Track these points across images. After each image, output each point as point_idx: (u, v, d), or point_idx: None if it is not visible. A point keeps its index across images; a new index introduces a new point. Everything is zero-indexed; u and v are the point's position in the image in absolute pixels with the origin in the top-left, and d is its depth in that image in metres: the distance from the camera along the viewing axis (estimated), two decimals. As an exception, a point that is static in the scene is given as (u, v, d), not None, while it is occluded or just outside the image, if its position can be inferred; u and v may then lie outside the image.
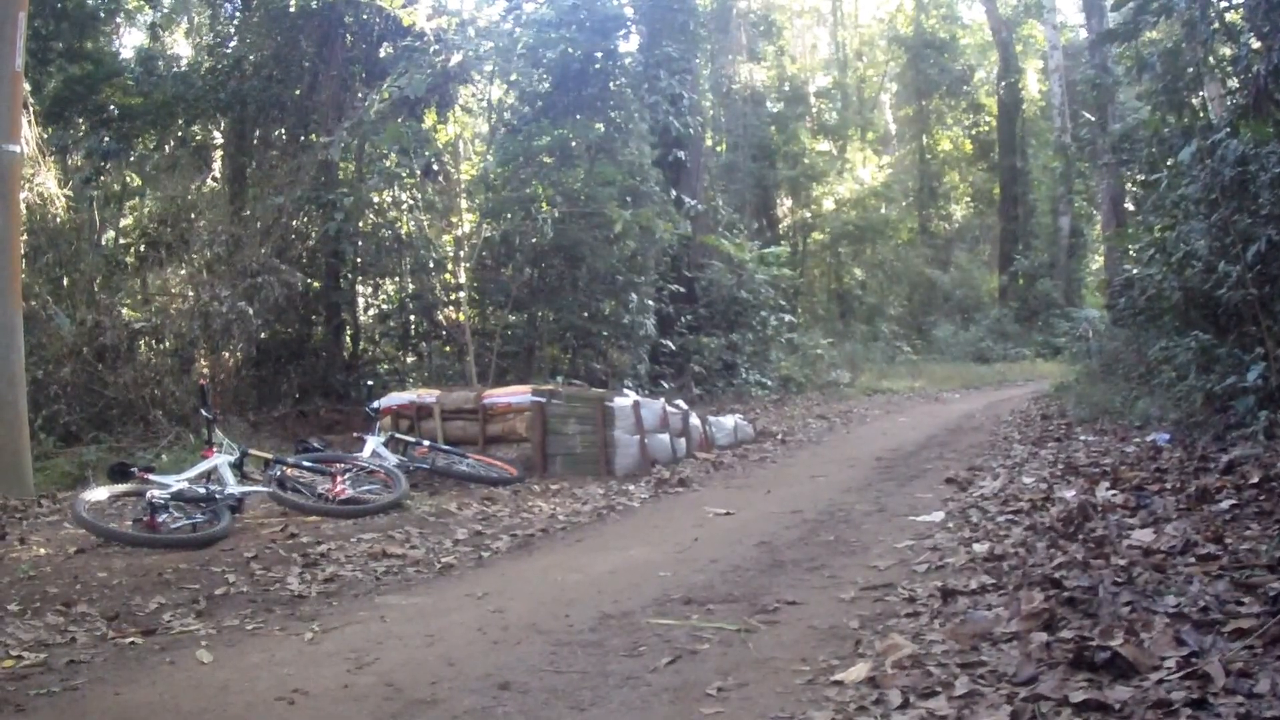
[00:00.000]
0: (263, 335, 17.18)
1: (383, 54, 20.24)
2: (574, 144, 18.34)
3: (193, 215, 17.53)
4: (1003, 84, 40.68)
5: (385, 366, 20.16)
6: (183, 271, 16.89)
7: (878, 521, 8.24)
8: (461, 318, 18.16)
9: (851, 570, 6.48)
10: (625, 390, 14.26)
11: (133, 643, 5.47)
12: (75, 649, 5.38)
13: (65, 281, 15.72)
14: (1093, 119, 25.69)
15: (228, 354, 16.90)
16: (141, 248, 17.32)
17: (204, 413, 9.41)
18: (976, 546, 6.59)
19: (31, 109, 14.48)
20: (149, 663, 5.12)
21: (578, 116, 18.41)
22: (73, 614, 6.00)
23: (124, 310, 15.99)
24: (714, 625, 5.29)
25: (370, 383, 13.29)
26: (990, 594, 5.38)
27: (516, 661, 4.88)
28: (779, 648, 4.87)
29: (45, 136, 16.04)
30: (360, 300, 20.88)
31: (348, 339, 20.11)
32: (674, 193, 20.93)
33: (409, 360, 20.35)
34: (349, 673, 4.81)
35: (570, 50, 18.60)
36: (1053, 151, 36.32)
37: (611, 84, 19.63)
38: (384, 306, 20.97)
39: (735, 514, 9.06)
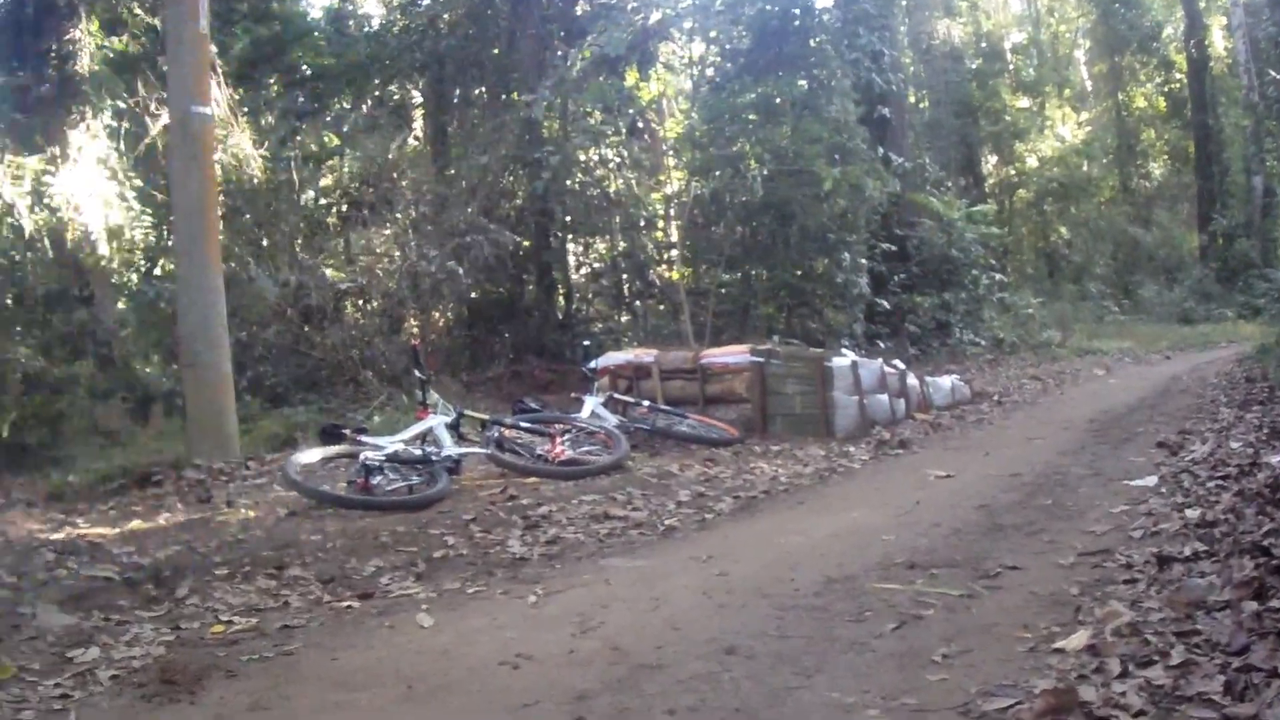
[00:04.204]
0: (473, 295, 17.58)
1: (579, 11, 20.45)
2: (778, 101, 18.38)
3: (394, 174, 18.01)
4: (1191, 41, 39.53)
5: (599, 326, 20.41)
6: (387, 231, 17.38)
7: (1093, 485, 8.22)
8: (675, 276, 18.33)
9: (1069, 535, 6.47)
10: (843, 350, 14.20)
11: (349, 606, 5.60)
12: (289, 613, 5.53)
13: (265, 243, 16.31)
14: (1278, 76, 24.69)
15: (438, 314, 17.37)
16: (343, 208, 17.91)
17: (417, 373, 9.64)
18: (1189, 512, 6.50)
19: (220, 70, 15.04)
20: (366, 626, 5.22)
21: (779, 73, 18.50)
22: (285, 577, 6.17)
23: (328, 271, 16.57)
24: (937, 590, 5.31)
25: (587, 343, 13.44)
26: (1203, 561, 5.32)
27: (741, 625, 4.88)
28: (1001, 613, 4.88)
29: (236, 98, 16.66)
30: (571, 259, 21.20)
31: (560, 298, 20.43)
32: (880, 150, 20.77)
33: (623, 319, 20.59)
34: (573, 636, 4.84)
35: (768, 7, 18.67)
36: (1241, 109, 35.69)
37: (811, 41, 19.60)
38: (595, 265, 21.26)
39: (955, 476, 9.07)
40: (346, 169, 19.49)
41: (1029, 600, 5.08)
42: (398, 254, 16.72)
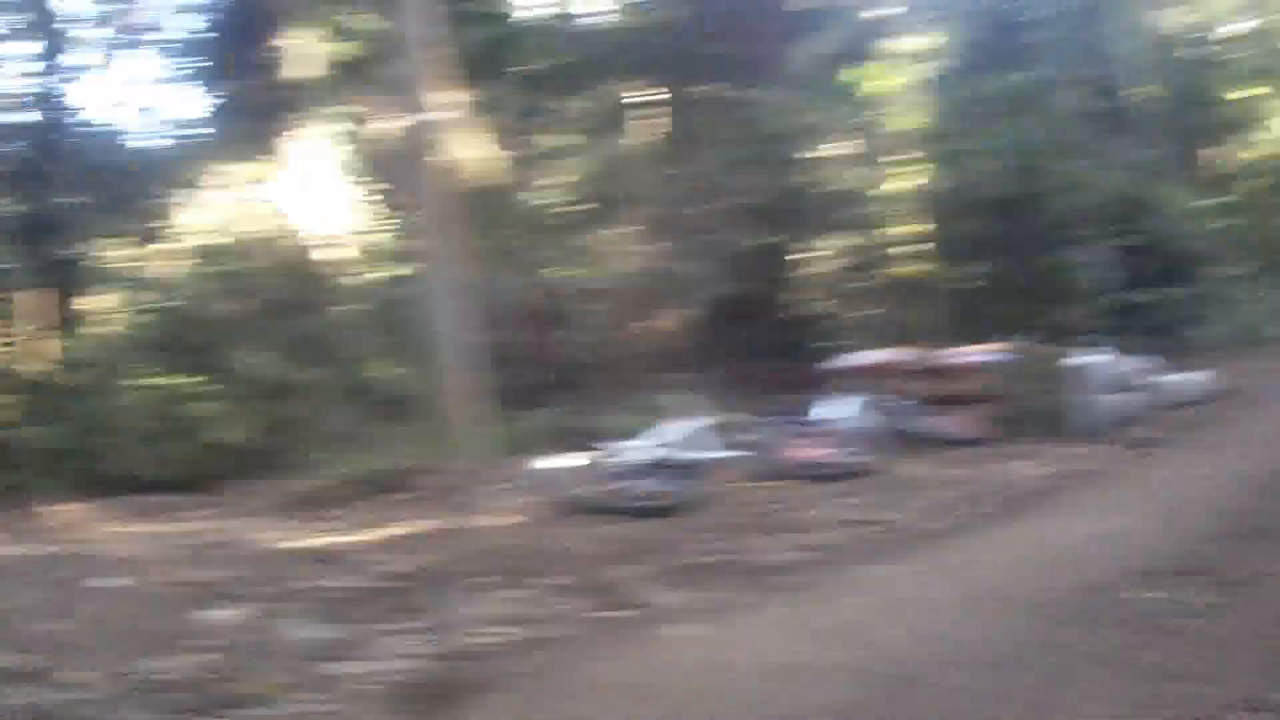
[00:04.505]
0: (712, 294, 17.63)
1: (807, 8, 20.36)
2: (1010, 96, 18.28)
3: (628, 170, 18.17)
4: None
5: (839, 321, 20.27)
6: (625, 229, 17.55)
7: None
8: (914, 271, 18.15)
9: None
10: (1087, 349, 13.95)
11: (611, 616, 5.59)
12: (548, 624, 5.51)
13: (506, 244, 16.58)
14: None
15: (681, 312, 17.46)
16: (579, 204, 18.13)
17: (669, 377, 9.71)
18: None
19: (452, 73, 15.39)
20: (630, 637, 5.22)
21: (1011, 68, 18.39)
22: (542, 586, 6.17)
23: (571, 272, 16.80)
24: (1190, 598, 5.16)
25: (831, 344, 13.38)
26: None
27: (1001, 636, 4.81)
28: (1255, 624, 4.75)
29: (470, 101, 16.99)
30: (809, 255, 21.10)
31: (800, 295, 20.35)
32: (1115, 145, 20.38)
33: (862, 314, 20.43)
34: (834, 647, 4.78)
35: (1000, 4, 18.89)
36: None
37: (1039, 35, 19.59)
38: (834, 261, 21.14)
39: (1208, 476, 8.85)
40: (580, 166, 19.67)
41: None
42: (638, 253, 16.84)
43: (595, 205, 17.78)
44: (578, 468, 8.88)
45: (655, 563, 6.65)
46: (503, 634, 5.36)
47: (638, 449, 8.79)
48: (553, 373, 15.06)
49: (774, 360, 18.13)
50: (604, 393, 14.69)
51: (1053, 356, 12.20)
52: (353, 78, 16.24)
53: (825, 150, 19.43)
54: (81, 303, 14.70)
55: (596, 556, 6.80)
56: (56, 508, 10.37)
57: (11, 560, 7.52)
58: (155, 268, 14.46)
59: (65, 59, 17.32)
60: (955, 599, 5.48)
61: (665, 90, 21.35)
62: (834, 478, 9.11)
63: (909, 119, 19.81)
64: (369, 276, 16.11)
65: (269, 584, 6.36)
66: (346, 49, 16.42)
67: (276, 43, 16.32)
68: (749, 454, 9.51)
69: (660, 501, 8.19)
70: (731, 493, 8.86)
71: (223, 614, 5.66)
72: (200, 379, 13.72)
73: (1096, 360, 12.28)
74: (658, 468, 8.62)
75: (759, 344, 18.70)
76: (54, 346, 14.27)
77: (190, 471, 12.66)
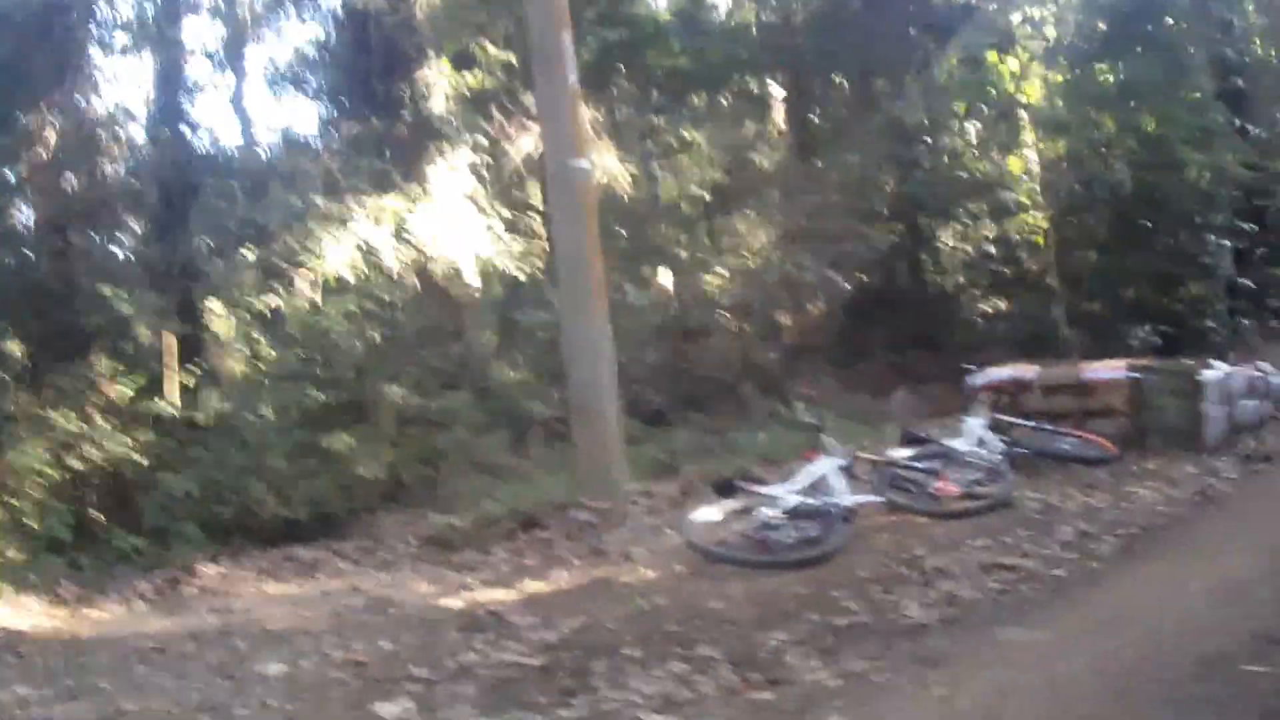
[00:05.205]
0: (850, 291, 17.89)
1: (938, 1, 20.45)
2: (1137, 83, 18.54)
3: (757, 160, 18.41)
4: None
5: (975, 312, 20.42)
6: (755, 227, 17.80)
7: None
8: (1043, 262, 18.28)
9: None
10: (1215, 357, 13.99)
11: (765, 698, 5.80)
12: (704, 707, 5.72)
13: (639, 250, 16.94)
14: None
15: (817, 312, 17.73)
16: (708, 197, 18.42)
17: (809, 419, 9.98)
18: None
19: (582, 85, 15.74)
20: None
21: (1136, 53, 18.62)
22: (695, 657, 6.42)
23: (704, 276, 17.13)
24: None
25: (973, 365, 13.43)
26: None
27: None
28: None
29: (601, 109, 17.32)
30: (942, 247, 21.25)
31: (930, 287, 20.53)
32: (1237, 122, 20.25)
33: (997, 307, 20.54)
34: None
35: None
36: None
37: (1165, 19, 19.60)
38: (968, 252, 21.26)
39: None
40: (707, 157, 19.99)
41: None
42: (772, 257, 17.08)
43: (728, 201, 18.06)
44: (724, 516, 9.08)
45: (806, 625, 6.89)
46: (656, 723, 5.60)
47: (788, 494, 8.98)
48: (692, 386, 15.35)
49: (919, 350, 18.39)
50: (745, 404, 15.03)
51: (1186, 372, 12.30)
52: (485, 105, 16.76)
53: (961, 139, 19.64)
54: (208, 339, 15.23)
55: (748, 619, 7.08)
56: (199, 568, 10.81)
57: (165, 638, 7.81)
58: (290, 301, 14.92)
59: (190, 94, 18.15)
60: (1095, 675, 5.63)
61: (795, 86, 21.61)
62: (977, 514, 9.35)
63: (1036, 109, 19.96)
64: (505, 303, 16.58)
65: (428, 662, 6.64)
66: (480, 78, 16.92)
67: (407, 77, 16.86)
68: (895, 491, 9.74)
69: (809, 552, 8.42)
70: (876, 534, 9.12)
71: (393, 708, 5.89)
72: (337, 413, 14.14)
73: (1228, 373, 12.44)
74: (807, 515, 8.84)
75: (903, 336, 18.97)
76: (179, 385, 14.77)
77: (327, 509, 13.32)
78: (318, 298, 15.25)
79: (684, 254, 17.69)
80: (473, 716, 5.77)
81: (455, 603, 8.26)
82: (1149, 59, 18.68)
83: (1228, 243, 20.01)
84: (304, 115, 26.19)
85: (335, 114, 19.57)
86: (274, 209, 16.19)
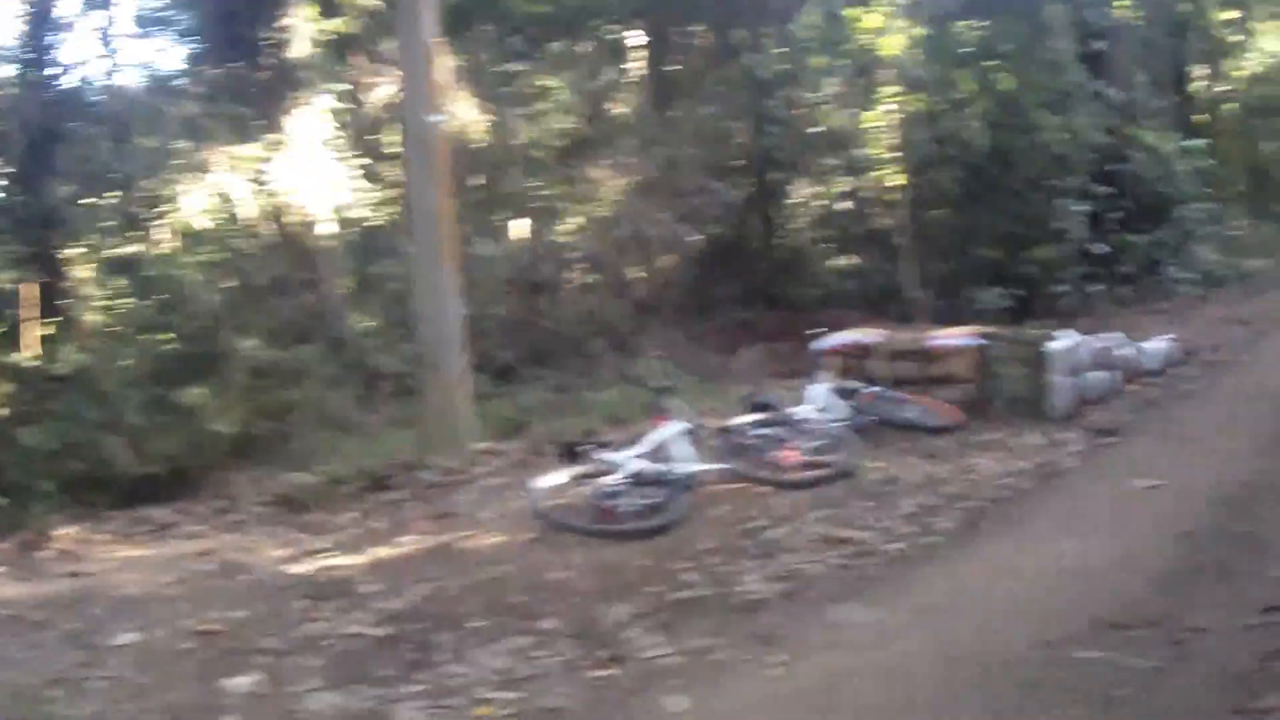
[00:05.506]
0: (702, 243, 17.89)
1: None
2: (997, 43, 18.88)
3: (611, 106, 18.32)
4: None
5: (825, 269, 20.61)
6: (610, 177, 17.72)
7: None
8: (895, 220, 18.46)
9: (1256, 582, 6.24)
10: (1062, 326, 14.23)
11: (606, 675, 5.85)
12: (548, 683, 5.75)
13: (488, 197, 16.77)
14: None
15: (667, 264, 17.72)
16: (564, 145, 18.28)
17: (660, 382, 9.92)
18: None
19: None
20: (627, 707, 5.48)
21: (1000, 11, 18.94)
22: (538, 630, 6.46)
23: (556, 229, 17.01)
24: (1132, 660, 5.26)
25: (821, 329, 13.45)
26: None
27: (969, 705, 5.09)
28: (1187, 692, 4.87)
29: (456, 57, 17.07)
30: (794, 202, 21.37)
31: (781, 242, 20.65)
32: (1098, 86, 20.53)
33: (848, 265, 20.74)
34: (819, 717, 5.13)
35: None
36: None
37: None
38: (821, 208, 21.41)
39: (1160, 486, 8.84)
40: (563, 101, 19.81)
41: (1213, 674, 5.04)
42: (621, 206, 17.02)
43: (580, 150, 17.94)
44: (569, 481, 8.97)
45: (648, 598, 6.93)
46: (507, 700, 5.58)
47: (632, 461, 8.95)
48: (542, 341, 15.27)
49: (765, 307, 18.51)
50: (593, 360, 14.98)
51: (1032, 341, 12.35)
52: (344, 51, 16.44)
53: (818, 94, 19.70)
54: (68, 288, 14.75)
55: (591, 590, 7.10)
56: (55, 531, 10.43)
57: (18, 604, 7.56)
58: (146, 250, 14.58)
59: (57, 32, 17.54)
60: (931, 657, 5.73)
61: (654, 33, 21.51)
62: (819, 484, 9.32)
63: (900, 64, 20.12)
64: (361, 252, 16.36)
65: (277, 632, 6.58)
66: (338, 24, 16.59)
67: (271, 23, 16.47)
68: (740, 459, 9.69)
69: (652, 521, 8.38)
70: (716, 503, 9.07)
71: (242, 681, 5.86)
72: (192, 366, 13.83)
73: (1075, 343, 12.48)
74: (648, 482, 8.80)
75: (751, 291, 19.08)
76: (39, 336, 14.45)
77: (181, 464, 12.94)
78: (177, 246, 14.84)
79: (539, 204, 17.50)
80: (320, 690, 5.75)
81: (305, 568, 8.14)
82: (1010, 18, 18.94)
83: (1081, 207, 20.33)
84: (173, 57, 25.54)
85: (201, 57, 19.02)
86: (137, 155, 15.83)
